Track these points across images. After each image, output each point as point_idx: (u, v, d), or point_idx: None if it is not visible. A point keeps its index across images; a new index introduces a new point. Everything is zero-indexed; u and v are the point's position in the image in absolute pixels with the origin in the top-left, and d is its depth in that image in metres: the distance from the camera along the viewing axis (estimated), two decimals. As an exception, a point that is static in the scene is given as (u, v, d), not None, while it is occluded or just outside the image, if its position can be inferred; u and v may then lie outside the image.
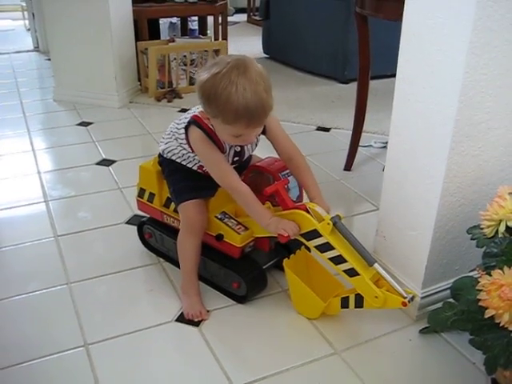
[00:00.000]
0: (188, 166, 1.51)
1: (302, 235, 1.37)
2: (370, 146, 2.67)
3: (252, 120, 1.28)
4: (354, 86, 2.51)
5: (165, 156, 1.56)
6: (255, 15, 6.36)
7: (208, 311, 1.50)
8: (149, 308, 1.55)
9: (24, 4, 5.23)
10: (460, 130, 1.25)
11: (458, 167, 1.31)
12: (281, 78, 3.96)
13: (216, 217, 1.50)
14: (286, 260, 1.46)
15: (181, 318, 1.48)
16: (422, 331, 1.43)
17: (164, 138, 1.56)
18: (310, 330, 1.45)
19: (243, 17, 6.64)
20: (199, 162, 1.49)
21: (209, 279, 1.60)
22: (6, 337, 1.43)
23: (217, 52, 3.57)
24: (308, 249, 1.49)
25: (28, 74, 4.12)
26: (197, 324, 1.46)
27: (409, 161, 1.41)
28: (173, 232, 1.61)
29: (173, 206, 1.58)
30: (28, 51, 4.90)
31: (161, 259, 1.74)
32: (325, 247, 1.33)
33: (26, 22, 5.60)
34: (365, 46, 2.20)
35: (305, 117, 3.09)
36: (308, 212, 1.35)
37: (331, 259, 1.34)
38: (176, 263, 1.66)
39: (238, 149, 1.46)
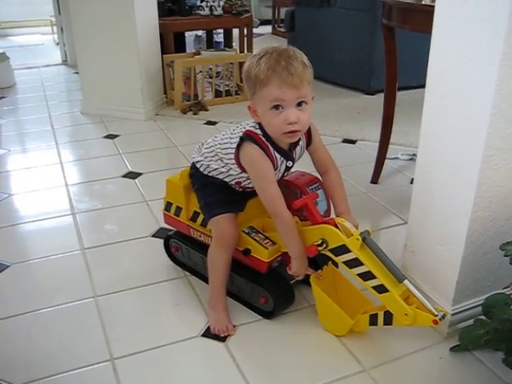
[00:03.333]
0: (225, 180, 1.49)
1: (330, 250, 1.35)
2: (397, 158, 2.64)
3: (284, 79, 1.27)
4: (379, 97, 2.50)
5: (199, 168, 1.53)
6: (280, 27, 6.39)
7: (234, 326, 1.49)
8: (175, 322, 1.54)
9: (53, 19, 5.33)
10: (492, 143, 1.23)
11: (489, 181, 1.28)
12: (306, 89, 3.95)
13: (243, 231, 1.49)
14: (313, 276, 1.44)
15: (207, 333, 1.47)
16: (452, 349, 1.39)
17: (200, 151, 1.54)
18: (338, 347, 1.42)
19: (268, 28, 6.68)
20: (240, 178, 1.47)
21: (235, 294, 1.59)
22: (32, 350, 1.44)
23: (242, 64, 3.58)
24: (335, 264, 1.47)
25: (56, 88, 4.19)
26: (223, 339, 1.45)
27: (439, 174, 1.39)
28: (199, 246, 1.60)
29: (200, 220, 1.57)
30: (56, 65, 4.99)
31: (187, 273, 1.74)
32: (353, 263, 1.31)
33: (55, 36, 5.70)
34: (392, 58, 2.18)
35: (330, 129, 3.07)
36: (337, 227, 1.33)
37: (360, 275, 1.31)
38: (202, 277, 1.65)
39: (290, 164, 1.44)
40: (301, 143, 1.45)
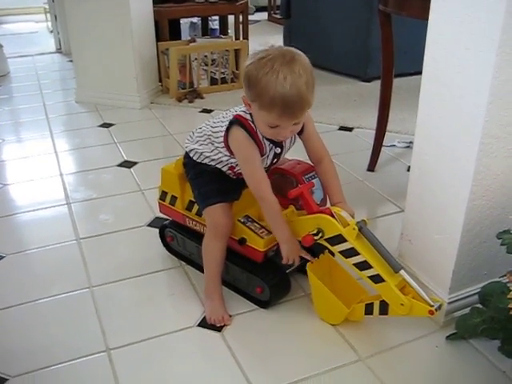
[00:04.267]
0: (217, 166, 1.49)
1: (326, 240, 1.34)
2: (394, 145, 2.63)
3: (287, 110, 1.26)
4: (376, 84, 2.48)
5: (192, 157, 1.53)
6: (276, 13, 6.33)
7: (230, 316, 1.49)
8: (171, 312, 1.54)
9: (47, 6, 5.28)
10: (489, 131, 1.22)
11: (486, 169, 1.27)
12: (302, 76, 3.92)
13: (239, 220, 1.48)
14: (309, 264, 1.44)
15: (203, 323, 1.47)
16: (449, 338, 1.39)
17: (192, 138, 1.54)
18: (334, 336, 1.42)
19: (264, 15, 6.62)
20: (232, 163, 1.47)
21: (231, 283, 1.59)
22: (27, 341, 1.43)
23: (238, 51, 3.55)
24: (332, 254, 1.46)
25: (50, 76, 4.15)
26: (219, 329, 1.45)
27: (435, 163, 1.38)
28: (195, 235, 1.60)
29: (195, 209, 1.56)
30: (51, 53, 4.94)
31: (183, 262, 1.73)
32: (350, 252, 1.31)
33: (49, 23, 5.64)
34: (388, 45, 2.16)
35: (327, 116, 3.06)
36: (333, 216, 1.32)
37: (356, 265, 1.31)
38: (198, 267, 1.64)
39: (278, 150, 1.44)
40: None
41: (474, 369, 1.32)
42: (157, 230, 1.80)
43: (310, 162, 1.52)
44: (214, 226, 1.46)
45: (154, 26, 3.40)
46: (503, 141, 1.25)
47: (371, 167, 2.38)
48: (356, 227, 1.29)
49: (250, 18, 5.19)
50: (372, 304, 1.35)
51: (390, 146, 2.61)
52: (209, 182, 1.49)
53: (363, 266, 1.29)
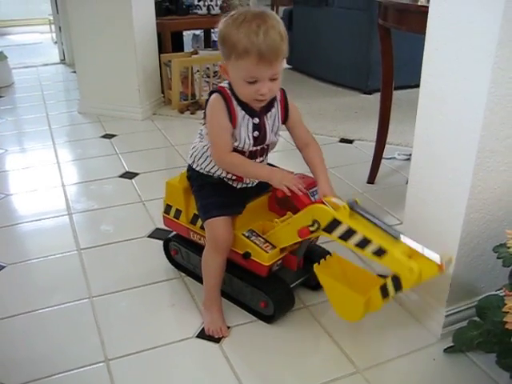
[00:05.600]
0: (217, 173, 1.50)
1: (324, 230, 1.32)
2: (394, 158, 2.65)
3: (262, 56, 1.27)
4: (377, 96, 2.49)
5: (193, 167, 1.54)
6: (278, 26, 6.38)
7: (229, 327, 1.49)
8: (170, 323, 1.55)
9: (51, 18, 5.33)
10: (485, 145, 1.23)
11: (483, 183, 1.28)
12: (303, 88, 3.96)
13: (243, 234, 1.47)
14: (316, 265, 1.40)
15: (201, 334, 1.48)
16: (446, 350, 1.39)
17: (191, 152, 1.56)
18: (332, 348, 1.43)
19: (266, 27, 6.66)
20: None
21: (234, 297, 1.59)
22: (27, 350, 1.44)
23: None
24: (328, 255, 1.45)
25: (54, 87, 4.19)
26: (217, 340, 1.45)
27: (433, 176, 1.39)
28: (199, 249, 1.58)
29: (199, 223, 1.56)
30: (55, 64, 5.00)
31: (182, 274, 1.74)
32: (347, 234, 1.28)
33: (53, 35, 5.70)
34: (388, 58, 2.18)
35: (328, 128, 3.08)
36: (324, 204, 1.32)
37: (357, 245, 1.27)
38: (201, 280, 1.64)
39: (257, 121, 1.43)
40: (273, 110, 1.46)
41: (471, 382, 1.32)
42: (157, 241, 1.81)
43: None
44: (213, 240, 1.46)
45: (156, 38, 3.44)
46: (499, 155, 1.26)
47: (371, 179, 2.40)
48: (347, 206, 1.29)
49: (253, 30, 5.23)
50: (385, 284, 1.28)
51: (390, 158, 2.62)
52: (211, 195, 1.49)
53: (364, 243, 1.26)
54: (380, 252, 1.24)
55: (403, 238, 1.25)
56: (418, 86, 1.40)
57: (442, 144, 1.34)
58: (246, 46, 1.27)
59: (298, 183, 1.35)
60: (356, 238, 1.27)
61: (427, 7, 1.31)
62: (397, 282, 1.25)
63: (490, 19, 1.12)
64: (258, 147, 1.46)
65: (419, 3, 1.83)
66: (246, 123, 1.41)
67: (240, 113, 1.40)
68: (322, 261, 1.42)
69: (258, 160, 1.49)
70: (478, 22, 1.16)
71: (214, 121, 1.42)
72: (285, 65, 1.38)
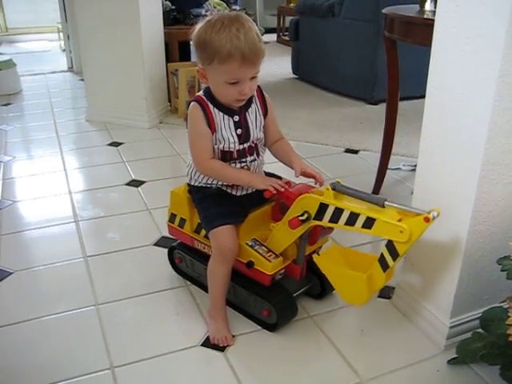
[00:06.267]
0: (209, 182, 1.52)
1: (314, 218, 1.34)
2: (399, 168, 2.65)
3: (246, 58, 1.32)
4: (382, 107, 2.50)
5: (192, 183, 1.57)
6: (285, 35, 6.42)
7: (233, 336, 1.50)
8: (175, 332, 1.55)
9: (60, 26, 5.38)
10: (490, 158, 1.24)
11: (487, 195, 1.29)
12: (309, 98, 3.97)
13: (247, 244, 1.49)
14: (315, 255, 1.40)
15: (206, 343, 1.48)
16: (450, 362, 1.39)
17: (186, 166, 1.60)
18: (336, 358, 1.43)
19: (273, 37, 6.70)
20: None
21: (238, 306, 1.60)
22: (33, 357, 1.45)
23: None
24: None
25: (62, 94, 4.23)
26: (222, 349, 1.46)
27: (437, 188, 1.40)
28: (203, 257, 1.60)
29: (203, 231, 1.58)
30: (62, 71, 5.04)
31: (188, 282, 1.75)
32: (336, 215, 1.29)
33: (62, 43, 5.75)
34: (393, 69, 2.20)
35: (333, 138, 3.09)
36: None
37: (347, 223, 1.28)
38: (206, 288, 1.65)
39: (237, 118, 1.47)
40: (253, 106, 1.50)
41: (475, 394, 1.33)
42: (163, 250, 1.82)
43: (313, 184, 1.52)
44: (219, 250, 1.47)
45: (164, 48, 3.47)
46: (504, 167, 1.27)
47: (376, 190, 2.40)
48: (329, 187, 1.31)
49: (259, 39, 5.26)
50: (382, 255, 1.28)
51: (395, 169, 2.63)
52: (213, 206, 1.51)
53: (352, 219, 1.27)
54: (369, 223, 1.25)
55: (388, 204, 1.25)
56: (423, 96, 1.40)
57: (446, 156, 1.35)
58: (229, 50, 1.32)
59: (278, 182, 1.41)
60: (345, 216, 1.28)
61: (433, 20, 1.32)
62: (392, 248, 1.25)
63: (495, 33, 1.14)
64: (245, 145, 1.49)
65: (425, 16, 1.85)
66: (227, 123, 1.46)
67: (218, 115, 1.45)
68: (321, 251, 1.42)
69: (248, 159, 1.51)
70: (483, 35, 1.17)
71: (192, 128, 1.48)
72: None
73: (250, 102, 1.49)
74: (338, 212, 1.29)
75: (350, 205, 1.28)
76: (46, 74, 4.89)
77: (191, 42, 1.43)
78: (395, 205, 1.25)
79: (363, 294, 1.33)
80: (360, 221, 1.26)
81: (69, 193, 2.44)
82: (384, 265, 1.27)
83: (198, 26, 1.39)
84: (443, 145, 1.35)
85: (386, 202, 1.24)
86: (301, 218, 1.34)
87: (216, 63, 1.35)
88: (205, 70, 1.41)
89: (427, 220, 1.18)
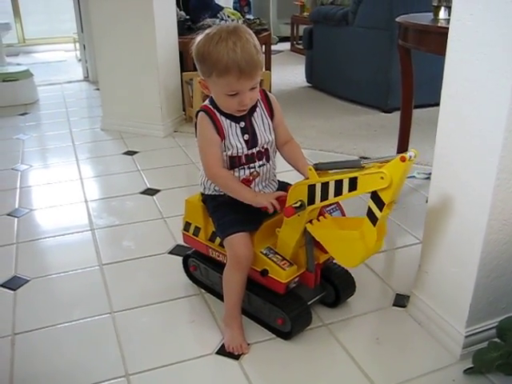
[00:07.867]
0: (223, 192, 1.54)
1: (308, 204, 1.36)
2: (413, 176, 2.64)
3: (243, 71, 1.34)
4: (396, 115, 2.51)
5: (205, 192, 1.59)
6: (298, 44, 6.44)
7: (249, 344, 1.50)
8: (190, 339, 1.56)
9: (76, 36, 5.45)
10: (505, 166, 1.23)
11: (503, 204, 1.28)
12: (323, 107, 3.98)
13: (261, 252, 1.49)
14: (308, 224, 1.41)
15: (221, 351, 1.49)
16: (466, 371, 1.38)
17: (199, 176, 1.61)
18: (351, 367, 1.43)
19: (287, 45, 6.73)
20: None
21: (252, 314, 1.60)
22: (48, 364, 1.46)
23: (260, 83, 3.61)
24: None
25: (78, 104, 4.27)
26: (237, 357, 1.46)
27: (452, 196, 1.39)
28: (218, 266, 1.61)
29: (218, 240, 1.59)
30: (78, 81, 5.09)
31: (202, 290, 1.75)
32: (324, 191, 1.31)
33: (78, 53, 5.82)
34: (408, 78, 2.20)
35: (347, 146, 3.09)
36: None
37: (336, 194, 1.30)
38: (220, 296, 1.66)
39: (243, 124, 1.48)
40: (258, 110, 1.51)
41: (492, 404, 1.31)
42: (178, 258, 1.83)
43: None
44: (234, 258, 1.47)
45: (178, 57, 3.50)
46: (520, 176, 1.26)
47: (390, 198, 2.39)
48: (312, 168, 1.33)
49: (273, 48, 5.29)
50: (369, 208, 1.27)
51: (410, 177, 2.62)
52: (227, 214, 1.52)
53: (339, 188, 1.29)
54: (353, 184, 1.26)
55: (365, 162, 1.27)
56: (437, 104, 1.40)
57: (461, 164, 1.34)
58: (226, 64, 1.33)
59: (270, 197, 1.44)
60: (331, 188, 1.31)
61: (447, 28, 1.32)
62: (377, 198, 1.25)
63: (509, 41, 1.14)
64: (254, 150, 1.50)
65: (439, 24, 1.85)
66: (233, 130, 1.47)
67: (225, 122, 1.47)
68: (314, 221, 1.43)
69: (257, 164, 1.51)
70: (497, 44, 1.17)
71: (202, 136, 1.49)
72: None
73: (254, 106, 1.50)
74: (325, 187, 1.32)
75: (332, 176, 1.31)
76: (62, 84, 4.95)
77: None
78: (372, 161, 1.28)
79: (358, 253, 1.34)
80: (345, 186, 1.28)
81: (85, 201, 2.46)
82: (373, 218, 1.28)
83: (198, 39, 1.41)
84: (458, 153, 1.35)
85: (362, 163, 1.28)
86: (294, 205, 1.36)
87: (215, 76, 1.37)
88: (206, 82, 1.43)
89: (403, 159, 1.18)
